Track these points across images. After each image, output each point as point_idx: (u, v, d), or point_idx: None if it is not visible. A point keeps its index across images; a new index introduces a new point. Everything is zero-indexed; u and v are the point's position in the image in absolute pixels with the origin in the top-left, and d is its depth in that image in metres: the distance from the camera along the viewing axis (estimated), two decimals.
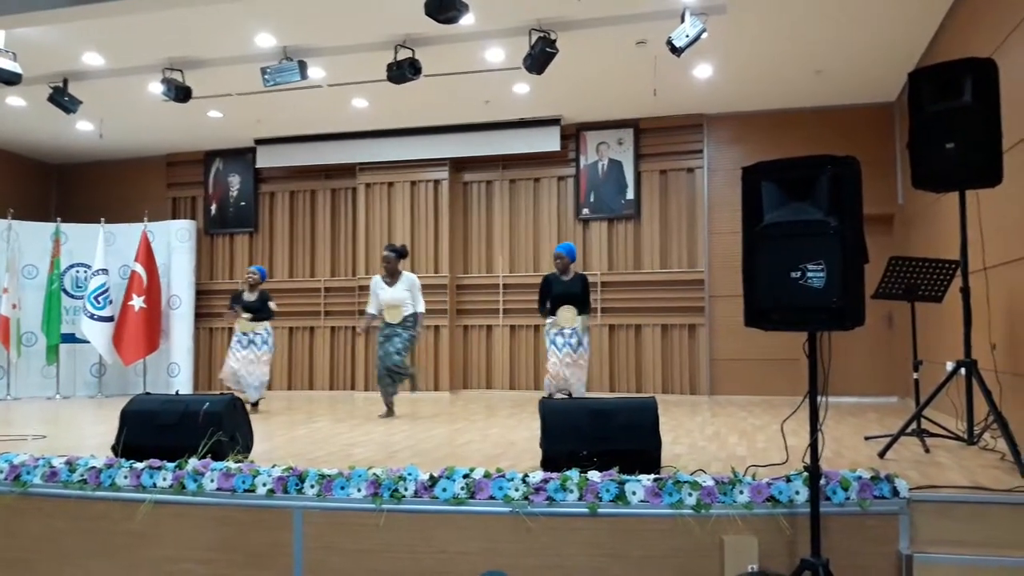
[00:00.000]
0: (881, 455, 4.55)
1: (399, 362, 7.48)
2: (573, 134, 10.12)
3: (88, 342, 10.28)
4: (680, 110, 9.59)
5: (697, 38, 6.48)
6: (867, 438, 5.42)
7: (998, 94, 4.41)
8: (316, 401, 9.60)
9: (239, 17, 6.98)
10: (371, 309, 7.70)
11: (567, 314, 7.21)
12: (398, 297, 7.55)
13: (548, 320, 7.33)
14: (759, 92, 8.96)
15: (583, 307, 7.29)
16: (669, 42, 6.54)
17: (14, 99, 8.95)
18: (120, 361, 10.33)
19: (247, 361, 8.14)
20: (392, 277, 7.61)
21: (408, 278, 7.68)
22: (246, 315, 8.18)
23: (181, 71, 7.96)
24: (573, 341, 7.19)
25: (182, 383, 10.63)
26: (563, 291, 7.27)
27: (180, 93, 7.97)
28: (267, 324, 8.29)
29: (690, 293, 9.66)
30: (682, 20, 6.50)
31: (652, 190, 9.93)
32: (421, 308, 7.68)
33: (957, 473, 3.98)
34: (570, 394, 7.14)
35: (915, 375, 5.43)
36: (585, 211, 10.10)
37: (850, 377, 8.78)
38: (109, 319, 10.28)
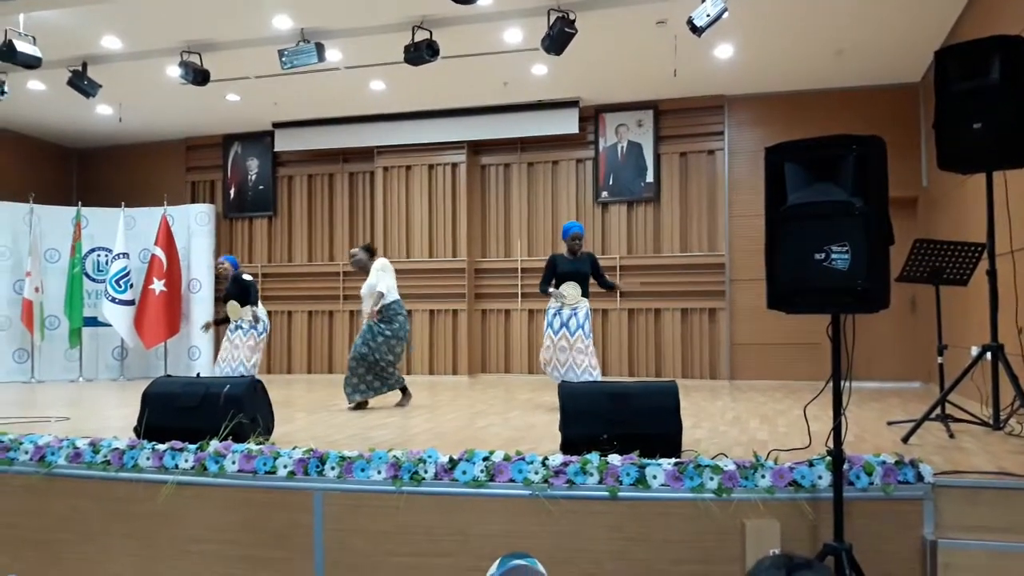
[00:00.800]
0: (905, 440, 4.50)
1: (352, 364, 6.93)
2: (592, 116, 10.04)
3: (110, 325, 10.36)
4: (700, 91, 9.49)
5: (718, 18, 6.38)
6: (890, 423, 5.36)
7: None
8: (336, 385, 9.61)
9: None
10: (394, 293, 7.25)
11: (571, 291, 6.81)
12: (364, 290, 7.17)
13: (550, 303, 6.92)
14: (781, 73, 8.83)
15: (600, 283, 7.03)
16: (690, 22, 6.45)
17: (34, 83, 9.00)
18: (141, 344, 10.42)
19: (226, 347, 7.90)
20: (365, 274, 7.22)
21: (374, 266, 7.15)
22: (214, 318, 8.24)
23: (199, 54, 7.97)
24: (572, 324, 6.76)
25: (202, 366, 10.70)
26: (571, 269, 6.88)
27: (198, 76, 7.98)
28: (252, 309, 7.86)
29: (710, 277, 9.59)
30: None
31: (672, 172, 9.85)
32: (382, 287, 6.95)
33: (982, 458, 3.93)
34: None
35: (940, 359, 5.35)
36: (604, 194, 10.04)
37: (872, 361, 8.71)
38: (130, 303, 10.36)
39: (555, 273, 6.97)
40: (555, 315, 6.87)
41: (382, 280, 6.98)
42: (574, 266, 6.94)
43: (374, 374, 6.94)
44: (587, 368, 6.71)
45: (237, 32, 7.70)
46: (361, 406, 6.92)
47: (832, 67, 8.57)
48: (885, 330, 8.72)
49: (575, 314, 6.81)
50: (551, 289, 6.90)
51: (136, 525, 4.08)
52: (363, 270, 7.25)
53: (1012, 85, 4.29)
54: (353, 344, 7.06)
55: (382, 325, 6.96)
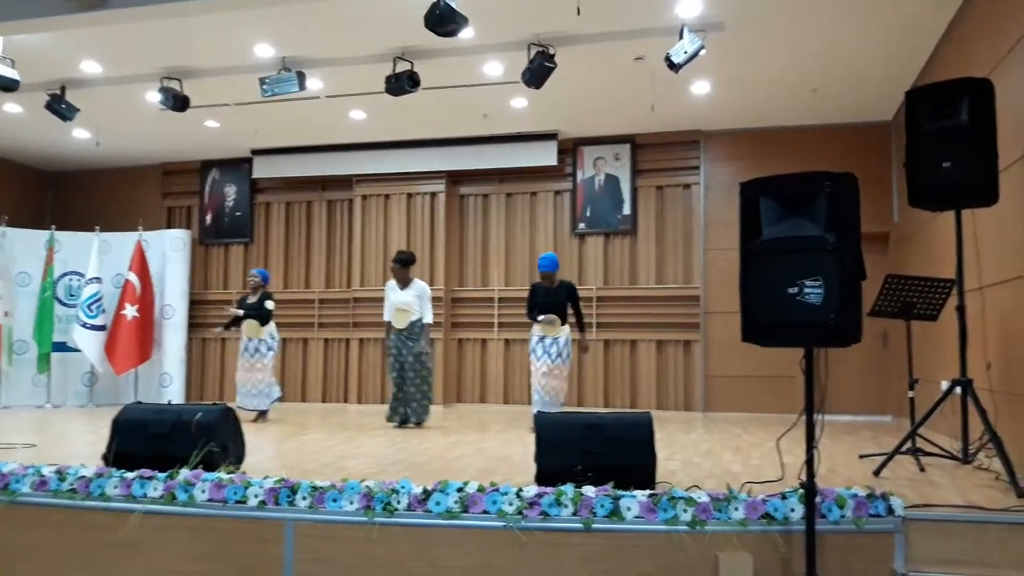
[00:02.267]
0: (876, 473, 4.54)
1: (422, 399, 7.64)
2: (570, 148, 10.14)
3: (80, 351, 10.21)
4: (677, 126, 9.62)
5: (695, 55, 6.51)
6: (861, 456, 5.40)
7: (994, 114, 4.43)
8: (308, 413, 9.55)
9: (238, 27, 6.99)
10: (385, 315, 7.74)
11: (548, 324, 7.12)
12: (404, 300, 7.60)
13: (533, 329, 7.27)
14: (756, 109, 8.99)
15: (574, 316, 7.22)
16: (667, 58, 6.57)
17: (11, 106, 8.94)
18: (112, 370, 10.26)
19: (245, 369, 8.19)
20: (403, 284, 7.68)
21: (417, 285, 7.74)
22: (238, 311, 8.22)
23: (179, 80, 7.96)
24: (552, 351, 7.09)
25: (174, 393, 10.58)
26: (546, 300, 7.19)
27: (178, 102, 7.96)
28: (271, 329, 8.26)
29: (686, 309, 9.65)
30: (680, 36, 6.53)
31: (648, 206, 9.95)
32: (428, 318, 7.66)
33: (952, 492, 3.96)
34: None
35: (910, 393, 5.42)
36: (581, 225, 10.11)
37: (843, 395, 8.79)
38: (102, 328, 10.23)
39: (535, 303, 7.20)
40: (538, 342, 7.19)
41: (428, 309, 7.69)
42: (549, 297, 7.19)
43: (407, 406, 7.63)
44: (551, 391, 7.05)
45: (218, 59, 7.71)
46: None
47: (806, 105, 8.74)
48: (856, 364, 8.81)
49: (556, 342, 7.10)
50: (540, 316, 7.16)
51: (101, 556, 3.99)
52: (400, 280, 7.68)
53: (980, 126, 4.41)
54: (403, 367, 7.57)
55: (417, 345, 7.60)
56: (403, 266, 7.68)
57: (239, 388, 8.23)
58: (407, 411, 7.61)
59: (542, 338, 7.15)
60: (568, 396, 7.68)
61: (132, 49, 7.46)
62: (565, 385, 7.21)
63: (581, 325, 7.37)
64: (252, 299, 8.30)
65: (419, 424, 7.62)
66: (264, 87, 7.59)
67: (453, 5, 5.96)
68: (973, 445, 4.72)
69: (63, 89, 8.19)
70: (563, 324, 7.17)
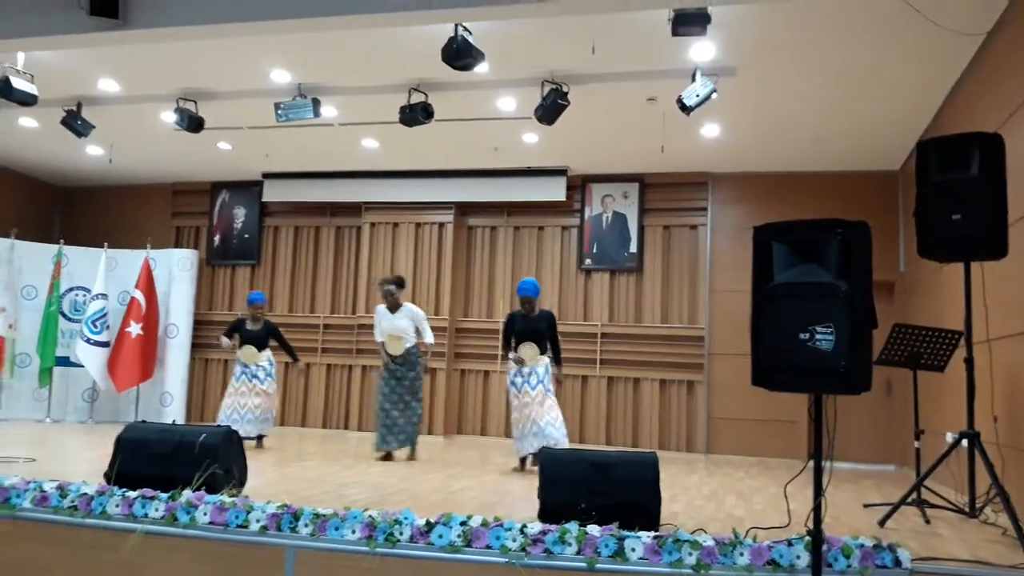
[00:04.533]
0: (881, 524, 4.50)
1: (412, 430, 7.45)
2: (579, 185, 10.21)
3: (82, 366, 10.19)
4: (686, 167, 9.69)
5: (707, 98, 6.58)
6: (866, 505, 5.37)
7: (1004, 168, 4.47)
8: (308, 438, 9.51)
9: (256, 52, 7.08)
10: (377, 337, 7.66)
11: (528, 352, 6.79)
12: (398, 326, 7.50)
13: (510, 363, 6.92)
14: (765, 154, 9.07)
15: (551, 348, 6.90)
16: (680, 100, 6.64)
17: (27, 120, 9.03)
18: (113, 387, 10.23)
19: (241, 394, 8.08)
20: (393, 308, 7.60)
21: (408, 308, 7.64)
22: (247, 347, 8.14)
23: (195, 102, 8.04)
24: (532, 380, 6.74)
25: (175, 413, 10.54)
26: (526, 327, 6.89)
27: (193, 123, 8.04)
28: (269, 355, 8.26)
29: (690, 349, 9.65)
30: (693, 79, 6.61)
31: (655, 245, 9.99)
32: (429, 339, 7.59)
33: (958, 546, 3.94)
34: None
35: (916, 444, 5.39)
36: (588, 262, 10.14)
37: (847, 443, 8.74)
38: (105, 344, 10.23)
39: (512, 331, 6.99)
40: (516, 373, 6.89)
41: (427, 331, 7.64)
42: (529, 325, 6.93)
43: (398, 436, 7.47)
44: (549, 422, 6.59)
45: (234, 83, 7.80)
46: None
47: (814, 151, 8.81)
48: (861, 412, 8.78)
49: (535, 371, 6.80)
50: (510, 355, 6.92)
51: (99, 575, 3.96)
52: (390, 305, 7.61)
53: (990, 180, 4.45)
54: (395, 408, 7.45)
55: (415, 372, 7.53)
56: (400, 288, 7.64)
57: (226, 412, 7.95)
58: (396, 441, 7.38)
59: (520, 369, 6.83)
60: (569, 433, 7.54)
61: (150, 69, 7.55)
62: (559, 413, 6.74)
63: (558, 358, 6.99)
64: (252, 326, 8.25)
65: (413, 455, 7.46)
66: (279, 112, 7.66)
67: (470, 40, 6.05)
68: (979, 499, 4.69)
69: (79, 106, 8.28)
70: (542, 354, 6.86)
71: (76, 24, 6.31)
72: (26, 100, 7.36)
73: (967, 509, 4.71)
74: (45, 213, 11.99)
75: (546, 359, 6.89)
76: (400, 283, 7.72)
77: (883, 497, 5.71)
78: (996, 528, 4.41)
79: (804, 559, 3.39)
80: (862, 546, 3.43)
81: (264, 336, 8.20)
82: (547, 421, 6.61)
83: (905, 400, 7.06)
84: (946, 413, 6.50)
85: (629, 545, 3.51)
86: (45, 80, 7.51)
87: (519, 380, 6.84)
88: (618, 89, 7.38)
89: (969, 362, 4.56)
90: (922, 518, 4.66)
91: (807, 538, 3.37)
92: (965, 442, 4.51)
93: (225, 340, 8.21)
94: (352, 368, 10.62)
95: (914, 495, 4.78)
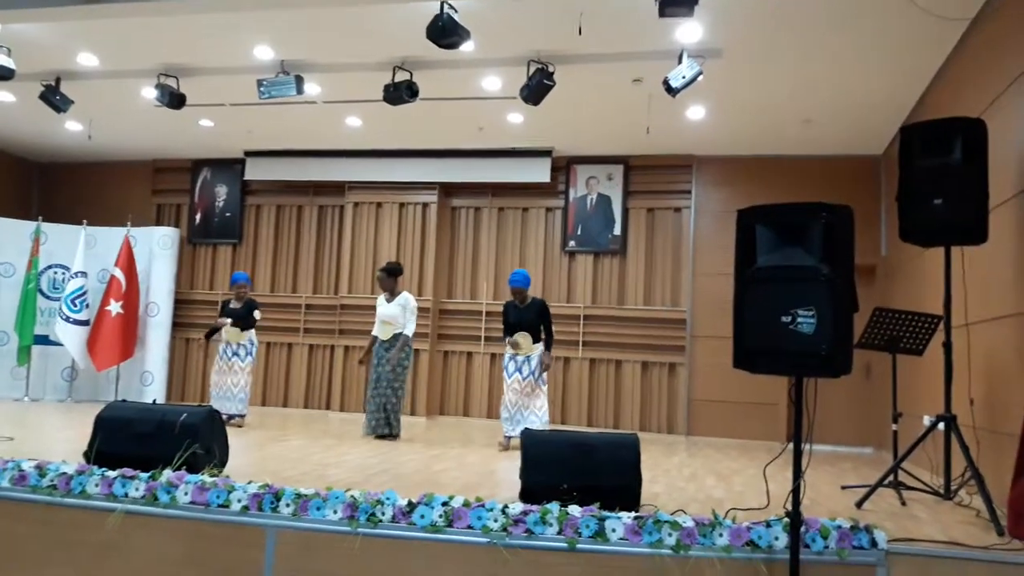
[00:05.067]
0: (859, 505, 4.56)
1: (393, 405, 7.48)
2: (564, 167, 10.18)
3: (61, 345, 10.09)
4: (671, 150, 9.68)
5: (693, 80, 6.56)
6: (844, 487, 5.43)
7: (986, 153, 4.51)
8: (290, 418, 9.49)
9: (239, 28, 6.98)
10: (374, 330, 7.74)
11: (522, 341, 6.99)
12: (390, 313, 7.60)
13: (507, 349, 7.15)
14: (749, 137, 9.08)
15: (540, 335, 7.05)
16: (665, 82, 6.62)
17: (4, 94, 8.87)
18: (93, 367, 10.15)
19: (222, 372, 8.16)
20: (391, 295, 7.69)
21: (403, 297, 7.71)
22: (227, 320, 8.14)
23: (176, 78, 7.93)
24: (525, 370, 6.99)
25: (155, 392, 10.47)
26: (517, 319, 7.09)
27: (174, 99, 7.93)
28: (251, 335, 8.24)
29: (672, 332, 9.69)
30: (679, 61, 6.59)
31: (639, 227, 9.99)
32: (409, 330, 7.59)
33: (933, 527, 3.99)
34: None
35: (894, 427, 5.45)
36: (572, 243, 10.14)
37: (826, 426, 8.80)
38: (85, 323, 10.12)
39: (506, 322, 7.18)
40: (510, 359, 7.12)
41: (410, 322, 7.63)
42: (519, 315, 7.12)
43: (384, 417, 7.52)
44: (533, 410, 6.94)
45: (216, 59, 7.69)
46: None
47: (799, 134, 8.83)
48: (840, 395, 8.85)
49: (528, 361, 7.02)
50: (507, 339, 7.12)
51: (78, 554, 3.95)
52: (387, 290, 7.72)
53: (972, 164, 4.49)
54: (378, 389, 7.50)
55: (396, 355, 7.50)
56: (389, 276, 7.68)
57: (213, 391, 8.18)
58: (376, 422, 7.47)
59: (514, 356, 7.06)
60: (552, 415, 7.63)
61: (130, 44, 7.43)
62: (545, 402, 7.02)
63: (549, 344, 7.13)
64: (236, 305, 8.24)
65: (396, 436, 7.48)
66: (262, 89, 7.58)
67: (456, 18, 5.99)
68: (955, 481, 4.76)
69: (58, 80, 8.14)
70: (536, 342, 7.03)
71: None
72: (3, 74, 7.25)
73: (942, 491, 4.78)
74: (23, 190, 11.82)
75: (539, 347, 7.05)
76: (390, 271, 7.73)
77: (861, 479, 5.77)
78: (970, 510, 4.48)
79: (782, 540, 3.43)
80: (839, 527, 3.47)
81: (245, 315, 8.16)
82: (531, 410, 6.96)
83: (883, 383, 7.13)
84: (923, 396, 6.58)
85: (610, 526, 3.54)
86: (23, 54, 7.39)
87: (512, 367, 7.07)
88: (604, 70, 7.34)
89: (948, 346, 4.61)
90: (898, 500, 4.72)
91: (786, 519, 3.41)
92: (942, 425, 4.57)
93: (218, 323, 8.31)
94: (334, 348, 10.59)
95: (891, 477, 4.84)
